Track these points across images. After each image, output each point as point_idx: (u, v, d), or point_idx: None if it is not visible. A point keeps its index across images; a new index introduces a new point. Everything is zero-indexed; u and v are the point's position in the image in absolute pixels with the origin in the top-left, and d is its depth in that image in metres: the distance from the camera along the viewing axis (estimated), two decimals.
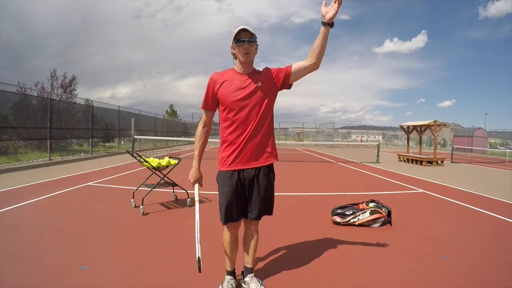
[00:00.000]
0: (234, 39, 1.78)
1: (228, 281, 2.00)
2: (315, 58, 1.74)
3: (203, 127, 1.97)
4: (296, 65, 1.82)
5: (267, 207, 1.96)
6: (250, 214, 1.94)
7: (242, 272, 2.09)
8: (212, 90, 1.86)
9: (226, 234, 1.99)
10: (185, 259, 2.48)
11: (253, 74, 1.86)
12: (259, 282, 2.01)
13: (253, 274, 2.04)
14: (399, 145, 33.62)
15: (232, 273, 2.06)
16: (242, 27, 1.76)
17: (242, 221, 1.99)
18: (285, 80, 1.85)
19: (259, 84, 1.81)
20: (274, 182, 1.99)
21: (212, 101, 1.89)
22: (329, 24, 1.67)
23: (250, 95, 1.80)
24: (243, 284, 2.03)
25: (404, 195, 5.65)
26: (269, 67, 1.91)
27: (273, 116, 1.93)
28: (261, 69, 1.91)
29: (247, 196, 1.91)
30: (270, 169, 1.94)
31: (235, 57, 1.85)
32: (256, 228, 2.03)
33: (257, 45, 1.84)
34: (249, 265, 2.05)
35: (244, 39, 1.76)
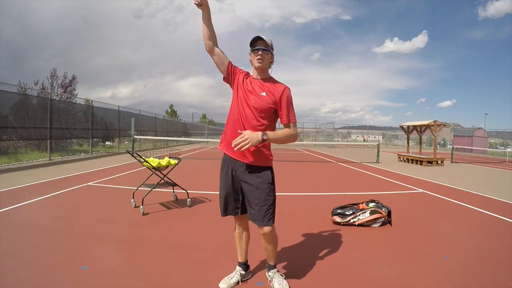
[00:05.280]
0: (250, 47, 1.92)
1: (236, 272, 2.10)
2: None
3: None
4: (283, 127, 1.95)
5: (260, 216, 1.87)
6: (249, 214, 1.95)
7: (267, 267, 2.14)
8: (238, 69, 2.01)
9: (235, 226, 2.09)
10: (185, 259, 2.48)
11: (265, 81, 1.94)
12: (282, 276, 2.07)
13: (276, 270, 2.09)
14: (399, 145, 33.61)
15: (242, 264, 2.12)
16: (257, 35, 1.88)
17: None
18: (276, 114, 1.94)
19: (263, 93, 1.89)
20: (274, 191, 1.93)
21: (233, 66, 1.98)
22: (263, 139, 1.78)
23: (252, 99, 1.88)
24: (268, 277, 2.10)
25: (404, 195, 5.65)
26: (287, 87, 1.94)
27: (274, 128, 1.96)
28: (279, 81, 1.98)
29: (245, 199, 1.95)
30: (264, 173, 1.90)
31: (252, 64, 1.97)
32: (270, 235, 1.95)
33: (272, 54, 1.95)
34: (270, 262, 2.09)
35: (259, 47, 1.87)
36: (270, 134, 1.81)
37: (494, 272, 2.39)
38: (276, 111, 1.91)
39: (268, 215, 1.89)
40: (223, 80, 2.04)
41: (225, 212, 2.00)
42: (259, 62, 1.88)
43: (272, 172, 1.96)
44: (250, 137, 1.73)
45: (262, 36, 1.87)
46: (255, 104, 1.86)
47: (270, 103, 1.87)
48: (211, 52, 1.93)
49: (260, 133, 1.77)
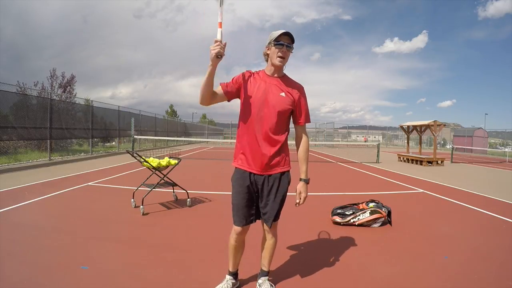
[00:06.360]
0: (274, 40, 1.75)
1: (227, 281, 2.00)
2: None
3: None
4: (297, 132, 1.98)
5: (274, 216, 1.90)
6: (263, 217, 1.92)
7: (259, 273, 2.06)
8: (237, 79, 1.83)
9: (232, 237, 1.93)
10: (185, 259, 2.48)
11: (282, 79, 1.85)
12: (272, 286, 1.99)
13: (267, 278, 2.01)
14: (399, 145, 33.61)
15: (233, 274, 2.03)
16: (284, 30, 1.73)
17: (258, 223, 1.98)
18: (292, 115, 1.90)
19: (282, 94, 1.80)
20: (288, 187, 1.94)
21: (231, 85, 1.81)
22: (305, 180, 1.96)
23: (269, 100, 1.78)
24: (257, 286, 2.00)
25: (404, 195, 5.65)
26: (303, 87, 1.90)
27: (289, 130, 1.92)
28: (294, 80, 1.90)
29: (259, 200, 1.90)
30: (286, 177, 1.91)
31: (267, 59, 1.84)
32: (273, 232, 1.96)
33: (292, 53, 1.83)
34: (264, 268, 2.02)
35: (284, 43, 1.73)
36: (305, 171, 1.98)
37: (494, 272, 2.39)
38: (292, 111, 1.87)
39: (279, 213, 1.93)
40: (229, 102, 1.89)
41: (246, 221, 1.86)
42: (280, 61, 1.76)
43: (290, 174, 1.94)
44: (303, 191, 1.92)
45: (289, 32, 1.72)
46: (276, 104, 1.78)
47: (289, 104, 1.82)
48: (208, 104, 1.78)
49: (302, 182, 1.95)
